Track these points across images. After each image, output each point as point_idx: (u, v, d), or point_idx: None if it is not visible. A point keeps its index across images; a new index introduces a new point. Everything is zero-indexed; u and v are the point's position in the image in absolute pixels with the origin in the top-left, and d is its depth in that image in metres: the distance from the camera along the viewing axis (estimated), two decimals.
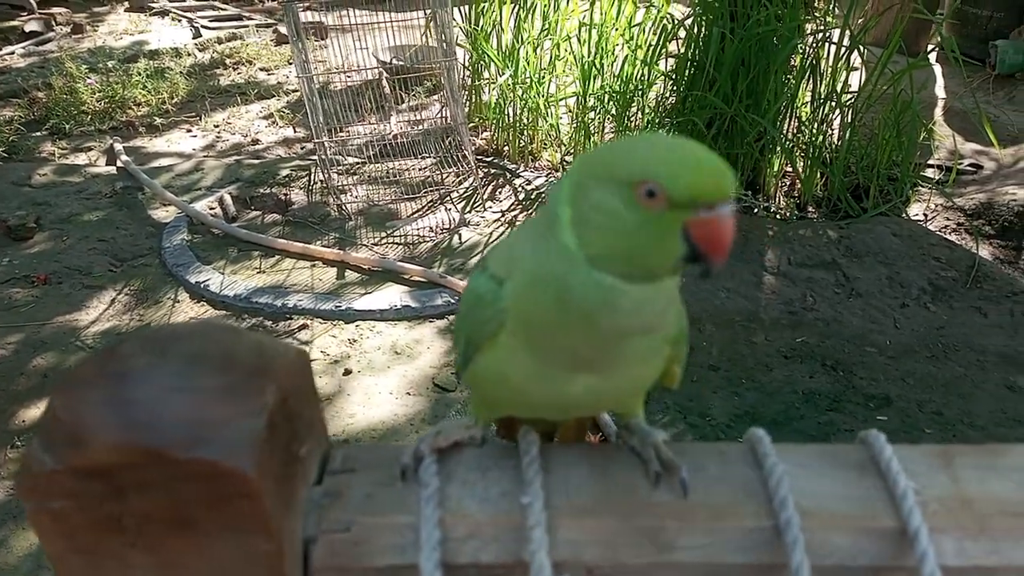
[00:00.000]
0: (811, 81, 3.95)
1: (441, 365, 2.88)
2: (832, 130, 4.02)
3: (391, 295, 3.25)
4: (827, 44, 3.87)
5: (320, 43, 5.89)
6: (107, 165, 4.68)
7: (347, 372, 2.84)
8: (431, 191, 4.13)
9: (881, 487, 0.61)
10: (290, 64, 6.21)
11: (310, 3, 5.02)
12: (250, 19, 7.74)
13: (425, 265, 3.47)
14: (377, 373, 2.85)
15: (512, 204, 4.07)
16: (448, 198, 4.12)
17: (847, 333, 3.08)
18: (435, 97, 5.33)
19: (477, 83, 4.81)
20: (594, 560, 0.59)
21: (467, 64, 4.80)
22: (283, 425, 0.55)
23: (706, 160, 0.53)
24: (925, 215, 3.93)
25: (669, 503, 0.60)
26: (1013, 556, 0.58)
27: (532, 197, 4.12)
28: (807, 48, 3.88)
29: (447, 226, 3.85)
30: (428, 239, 3.76)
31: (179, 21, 7.70)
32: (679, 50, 4.04)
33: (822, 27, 3.94)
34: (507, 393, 0.65)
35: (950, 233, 3.77)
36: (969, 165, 4.41)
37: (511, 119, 4.55)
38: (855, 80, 3.99)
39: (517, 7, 4.42)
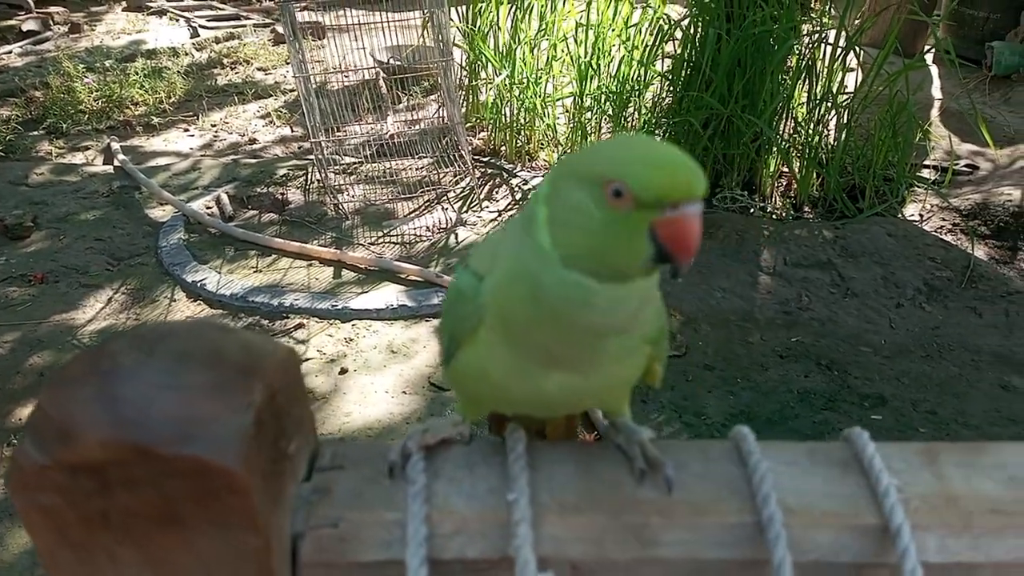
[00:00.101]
0: (807, 82, 3.96)
1: (437, 364, 2.88)
2: (828, 131, 4.03)
3: (387, 294, 3.26)
4: (823, 45, 3.88)
5: (317, 43, 5.91)
6: (104, 164, 4.68)
7: (343, 371, 2.85)
8: (428, 191, 4.14)
9: (864, 484, 0.61)
10: (287, 64, 6.21)
11: (307, 3, 5.02)
12: (248, 19, 7.74)
13: (422, 265, 3.48)
14: (373, 372, 2.85)
15: (509, 204, 4.08)
16: (445, 198, 4.12)
17: (842, 333, 3.09)
18: (432, 97, 5.34)
19: (474, 83, 4.82)
20: (579, 556, 0.59)
21: (464, 64, 4.80)
22: (271, 422, 0.56)
23: (672, 160, 0.53)
24: (921, 215, 3.94)
25: (654, 500, 0.60)
26: (994, 552, 0.58)
27: (528, 197, 4.13)
28: (803, 49, 3.89)
29: (444, 226, 3.86)
30: (425, 239, 3.77)
31: (177, 21, 7.70)
32: (675, 51, 4.05)
33: (818, 28, 3.95)
34: (488, 389, 0.65)
35: (946, 233, 3.78)
36: (965, 166, 4.42)
37: (508, 119, 4.55)
38: (851, 81, 4.00)
39: (514, 8, 4.43)
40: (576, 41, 4.32)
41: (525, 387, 0.62)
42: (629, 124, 4.22)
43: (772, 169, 4.06)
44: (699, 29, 3.86)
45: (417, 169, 4.40)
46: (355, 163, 4.48)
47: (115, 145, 4.79)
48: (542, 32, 4.45)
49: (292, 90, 5.72)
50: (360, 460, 0.64)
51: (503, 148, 4.63)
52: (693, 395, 2.76)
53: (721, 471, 0.63)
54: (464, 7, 4.68)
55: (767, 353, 2.98)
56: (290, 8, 3.89)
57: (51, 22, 7.47)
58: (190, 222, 3.86)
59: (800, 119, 4.02)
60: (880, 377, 2.87)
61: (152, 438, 0.50)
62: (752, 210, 3.91)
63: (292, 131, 5.24)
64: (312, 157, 4.30)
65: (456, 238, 3.77)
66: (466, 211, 4.01)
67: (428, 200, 4.10)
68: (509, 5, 4.46)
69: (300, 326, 3.09)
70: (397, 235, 3.80)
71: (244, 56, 6.58)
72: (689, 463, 0.63)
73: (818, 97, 3.93)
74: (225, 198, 4.05)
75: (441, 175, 4.32)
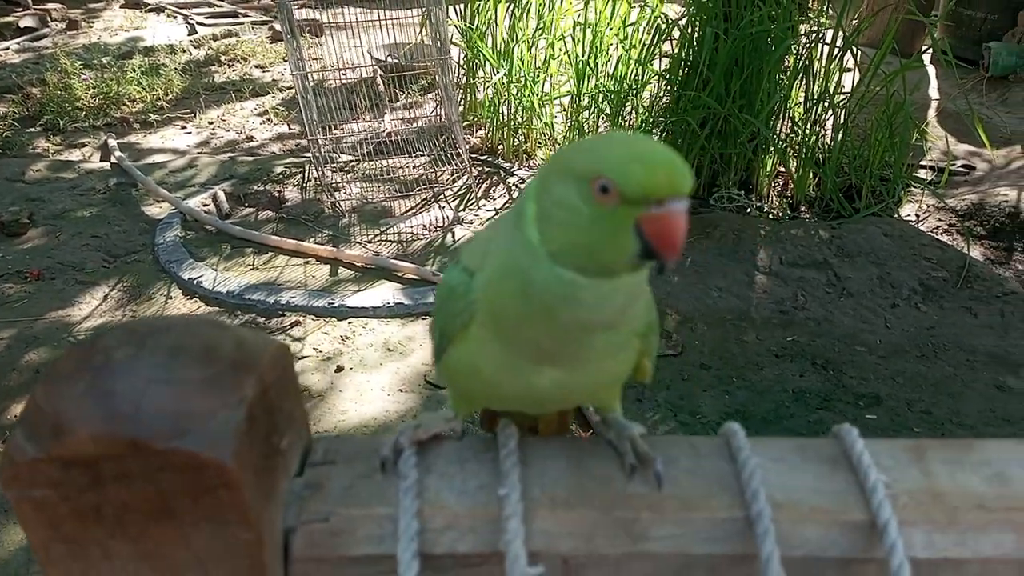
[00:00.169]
0: (804, 82, 3.96)
1: (433, 362, 2.88)
2: (825, 131, 4.03)
3: (384, 292, 3.26)
4: (820, 45, 3.89)
5: (315, 40, 5.90)
6: (101, 161, 4.68)
7: (339, 369, 2.85)
8: (425, 189, 4.14)
9: (853, 481, 0.62)
10: (285, 61, 6.20)
11: (305, 0, 5.02)
12: (245, 16, 7.73)
13: (418, 263, 3.48)
14: (369, 370, 2.85)
15: (506, 203, 4.08)
16: (442, 196, 4.12)
17: (838, 332, 3.10)
18: (429, 95, 5.34)
19: (472, 81, 4.82)
20: (569, 550, 0.60)
21: (462, 63, 4.80)
22: (263, 417, 0.56)
23: (658, 156, 0.53)
24: (917, 216, 3.95)
25: (644, 495, 0.61)
26: (980, 548, 0.59)
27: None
28: (800, 49, 3.90)
29: (440, 224, 3.86)
30: (421, 237, 3.77)
31: (174, 18, 7.69)
32: (673, 50, 4.05)
33: (815, 28, 3.95)
34: (479, 385, 0.66)
35: (942, 234, 3.78)
36: (961, 166, 4.43)
37: (505, 118, 4.55)
38: (848, 81, 4.01)
39: (512, 6, 4.43)
40: (574, 40, 4.33)
41: (516, 383, 0.63)
42: (626, 123, 4.23)
43: (769, 169, 4.07)
44: (697, 28, 3.86)
45: (414, 167, 4.41)
46: (352, 161, 4.48)
47: (112, 142, 4.79)
48: (540, 31, 4.45)
49: (289, 87, 5.72)
50: (352, 456, 0.65)
51: (500, 147, 4.64)
52: (689, 394, 2.77)
53: (711, 467, 0.63)
54: (462, 5, 4.68)
55: (763, 352, 2.99)
56: (288, 5, 3.89)
57: (48, 18, 7.45)
58: (187, 219, 3.86)
59: (797, 119, 4.03)
60: (875, 377, 2.87)
61: (144, 432, 0.51)
62: (749, 209, 3.92)
63: (289, 129, 5.23)
64: (309, 155, 4.30)
65: (453, 236, 3.77)
66: (463, 209, 4.02)
67: (425, 198, 4.10)
68: (507, 3, 4.46)
69: (296, 324, 3.09)
70: (394, 233, 3.80)
71: (242, 53, 6.57)
72: (679, 459, 0.64)
73: (815, 97, 3.93)
74: (222, 195, 4.05)
75: (438, 173, 4.33)
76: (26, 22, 7.22)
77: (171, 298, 3.29)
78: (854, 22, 4.03)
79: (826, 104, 3.93)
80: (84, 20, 7.60)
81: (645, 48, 4.07)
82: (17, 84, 5.64)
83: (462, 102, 4.85)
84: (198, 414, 0.52)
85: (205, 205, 3.99)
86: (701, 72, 3.77)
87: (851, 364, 2.93)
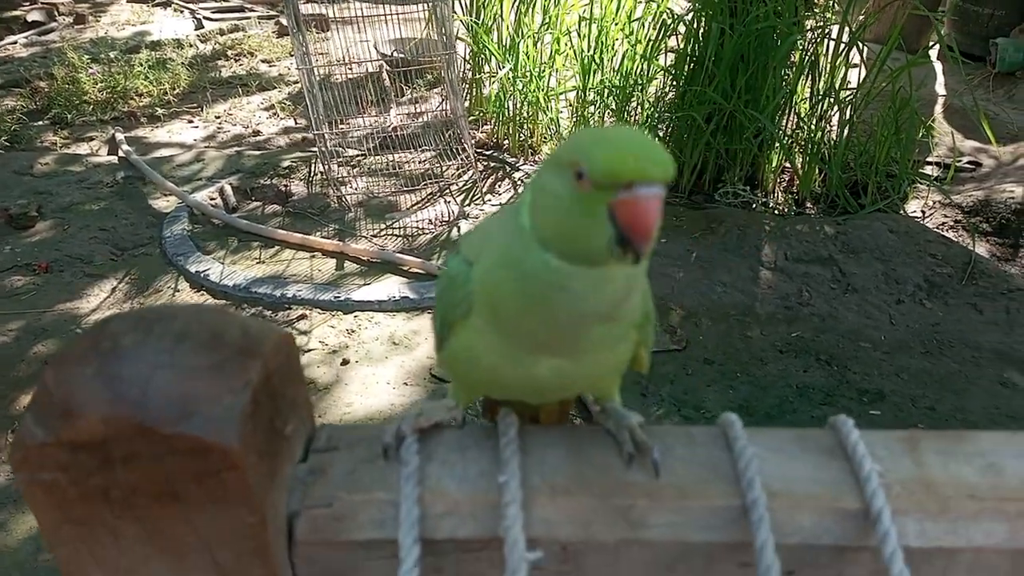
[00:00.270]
0: (810, 77, 3.96)
1: (436, 353, 2.90)
2: (831, 126, 4.03)
3: (390, 286, 3.27)
4: (826, 40, 3.88)
5: (321, 35, 5.90)
6: (109, 155, 4.70)
7: (345, 362, 2.86)
8: (431, 184, 4.15)
9: (847, 470, 0.63)
10: (291, 56, 6.21)
11: None
12: (252, 10, 7.73)
13: (424, 257, 3.49)
14: (375, 363, 2.87)
15: (511, 197, 4.09)
16: (448, 191, 4.13)
17: (842, 328, 3.10)
18: (435, 90, 5.34)
19: (477, 76, 4.82)
20: (568, 537, 0.61)
21: (468, 58, 4.81)
22: (267, 403, 0.57)
23: (627, 142, 0.54)
24: (923, 212, 3.94)
25: (641, 483, 0.62)
26: (972, 537, 0.60)
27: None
28: (806, 44, 3.89)
29: (446, 219, 3.87)
30: (427, 231, 3.78)
31: (181, 12, 7.70)
32: (679, 45, 4.05)
33: (821, 23, 3.94)
34: (479, 374, 0.67)
35: (947, 230, 3.78)
36: (968, 162, 4.42)
37: (511, 113, 4.56)
38: (854, 77, 4.00)
39: (518, 1, 4.43)
40: (579, 35, 4.33)
41: (515, 372, 0.64)
42: (632, 118, 4.23)
43: (774, 164, 4.07)
44: (702, 24, 3.86)
45: (420, 162, 4.41)
46: (358, 155, 4.49)
47: (119, 136, 4.81)
48: (545, 26, 4.45)
49: (296, 82, 5.72)
50: (355, 442, 0.66)
51: (506, 141, 4.64)
52: (693, 389, 2.77)
53: (708, 456, 0.64)
54: (468, 0, 4.68)
55: (767, 348, 2.99)
56: (294, 0, 3.90)
57: (56, 13, 7.47)
58: (194, 213, 3.88)
59: (803, 115, 4.02)
60: (879, 373, 2.88)
61: (151, 416, 0.52)
62: (754, 205, 3.91)
63: (296, 123, 5.25)
64: (315, 149, 4.31)
65: (458, 231, 3.78)
66: (468, 204, 4.03)
67: (431, 193, 4.11)
68: None
69: (303, 317, 3.10)
70: (399, 228, 3.81)
71: (248, 48, 6.58)
72: (676, 447, 0.65)
73: (821, 93, 3.93)
74: (229, 189, 4.07)
75: (444, 168, 4.33)
76: (34, 16, 7.24)
77: (178, 291, 3.31)
78: (860, 18, 4.02)
79: (832, 100, 3.92)
80: (91, 14, 7.61)
81: (651, 43, 4.07)
82: (25, 78, 5.65)
83: (468, 97, 4.85)
84: (203, 399, 0.53)
85: (212, 199, 4.00)
86: (707, 67, 3.77)
87: (855, 360, 2.93)
